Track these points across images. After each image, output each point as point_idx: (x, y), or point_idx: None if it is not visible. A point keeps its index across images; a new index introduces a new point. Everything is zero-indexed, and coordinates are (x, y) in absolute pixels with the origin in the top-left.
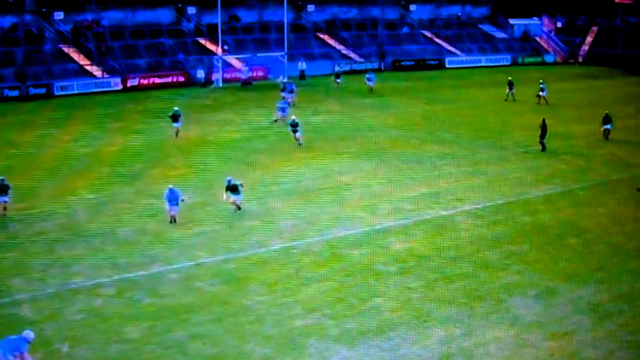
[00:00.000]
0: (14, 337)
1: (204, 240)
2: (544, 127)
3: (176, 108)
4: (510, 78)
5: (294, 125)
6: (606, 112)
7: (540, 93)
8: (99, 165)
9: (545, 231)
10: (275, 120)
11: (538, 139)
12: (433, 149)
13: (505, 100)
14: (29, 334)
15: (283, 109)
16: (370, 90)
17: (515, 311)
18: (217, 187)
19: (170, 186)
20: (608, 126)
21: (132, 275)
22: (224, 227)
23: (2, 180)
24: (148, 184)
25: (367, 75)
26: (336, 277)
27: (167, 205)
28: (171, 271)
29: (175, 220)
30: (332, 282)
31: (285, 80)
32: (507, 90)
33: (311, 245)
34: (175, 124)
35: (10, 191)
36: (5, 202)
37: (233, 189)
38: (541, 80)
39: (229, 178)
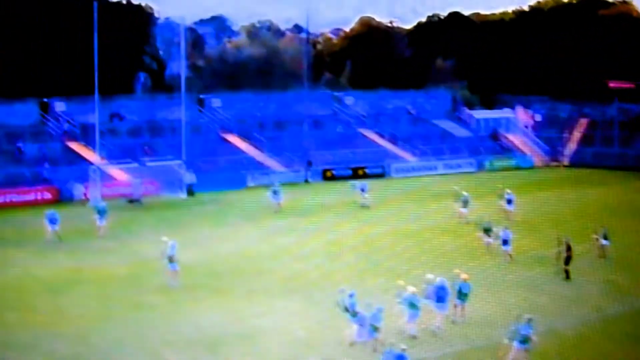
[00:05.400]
0: None
1: None
2: (568, 250)
3: None
4: (465, 193)
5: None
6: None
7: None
8: None
9: None
10: None
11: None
12: None
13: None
14: None
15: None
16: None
17: None
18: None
19: None
20: (606, 242)
21: None
22: None
23: None
24: (6, 333)
25: (273, 188)
26: None
27: None
28: None
29: None
30: None
31: None
32: (460, 207)
33: None
34: None
35: None
36: None
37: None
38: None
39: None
